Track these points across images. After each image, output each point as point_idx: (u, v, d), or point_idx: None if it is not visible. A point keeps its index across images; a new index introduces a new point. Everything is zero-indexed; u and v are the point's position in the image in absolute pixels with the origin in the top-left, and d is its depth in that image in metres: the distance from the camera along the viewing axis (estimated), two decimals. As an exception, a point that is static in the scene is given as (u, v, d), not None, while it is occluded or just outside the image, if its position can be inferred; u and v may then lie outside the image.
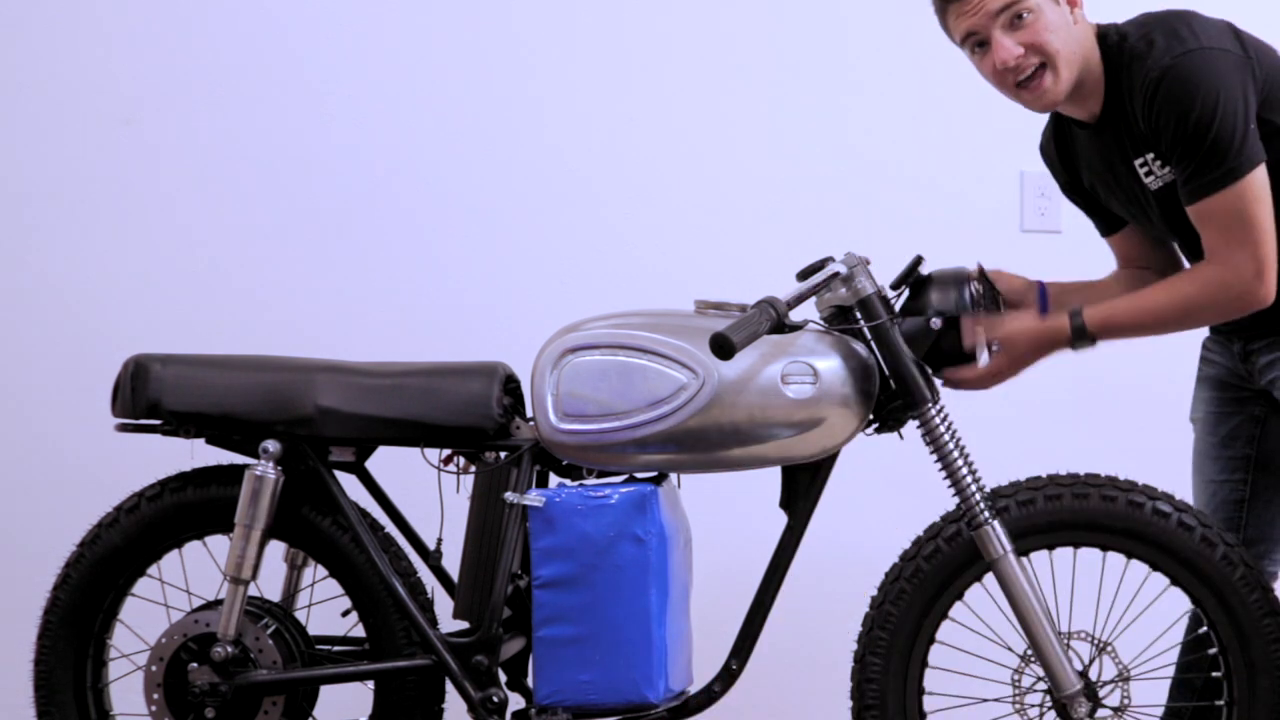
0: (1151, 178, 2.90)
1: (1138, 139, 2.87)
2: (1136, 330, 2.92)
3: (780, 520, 3.00)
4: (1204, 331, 3.17)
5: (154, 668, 3.01)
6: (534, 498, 2.94)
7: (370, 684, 3.06)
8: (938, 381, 2.98)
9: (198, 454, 3.09)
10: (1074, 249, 3.42)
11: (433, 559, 3.13)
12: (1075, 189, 3.14)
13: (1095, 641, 2.97)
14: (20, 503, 4.11)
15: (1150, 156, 2.87)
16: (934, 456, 2.94)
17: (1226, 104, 2.76)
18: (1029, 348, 2.94)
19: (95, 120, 4.16)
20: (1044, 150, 3.17)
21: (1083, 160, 3.05)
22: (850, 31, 4.15)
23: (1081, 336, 2.90)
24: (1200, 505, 3.15)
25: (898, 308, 2.97)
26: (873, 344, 2.93)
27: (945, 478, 2.94)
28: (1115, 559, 3.00)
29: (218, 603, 3.03)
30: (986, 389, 3.00)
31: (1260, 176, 2.80)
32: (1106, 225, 3.15)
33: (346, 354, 3.14)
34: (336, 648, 3.11)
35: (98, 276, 4.15)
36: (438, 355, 3.14)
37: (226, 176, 4.16)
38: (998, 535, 2.91)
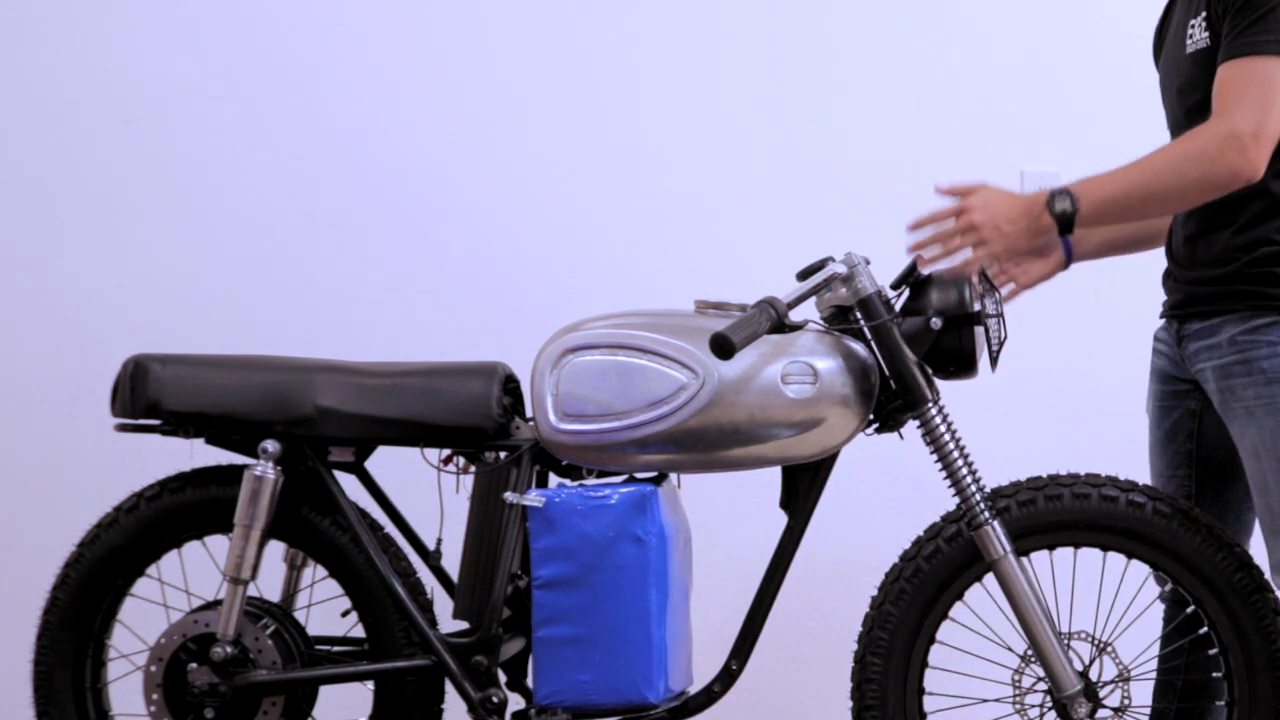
0: (1192, 39, 2.84)
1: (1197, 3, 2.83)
2: (1125, 195, 2.79)
3: (780, 520, 3.00)
4: (1157, 321, 3.11)
5: (153, 668, 3.01)
6: (534, 498, 2.93)
7: (370, 684, 3.06)
8: (937, 381, 2.98)
9: (197, 454, 3.09)
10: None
11: (432, 559, 3.13)
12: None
13: (1095, 641, 2.97)
14: (20, 503, 4.11)
15: (1202, 16, 2.81)
16: (934, 456, 2.94)
17: None
18: (1006, 208, 2.80)
19: (96, 119, 4.17)
20: (1156, 29, 3.08)
21: (1168, 32, 2.98)
22: (851, 31, 4.15)
23: (1061, 194, 2.77)
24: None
25: (898, 308, 2.96)
26: (873, 344, 2.93)
27: (945, 478, 2.94)
28: (1115, 559, 3.00)
29: (217, 603, 3.03)
30: (950, 256, 2.84)
31: None
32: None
33: (346, 354, 3.14)
34: (336, 648, 3.11)
35: (97, 276, 4.15)
36: (438, 355, 3.14)
37: (227, 176, 4.16)
38: (998, 535, 2.91)
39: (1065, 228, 2.79)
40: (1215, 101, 2.75)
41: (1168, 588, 3.02)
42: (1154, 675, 3.09)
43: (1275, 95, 2.72)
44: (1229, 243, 2.85)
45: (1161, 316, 3.09)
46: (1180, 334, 2.98)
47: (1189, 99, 2.88)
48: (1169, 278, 3.02)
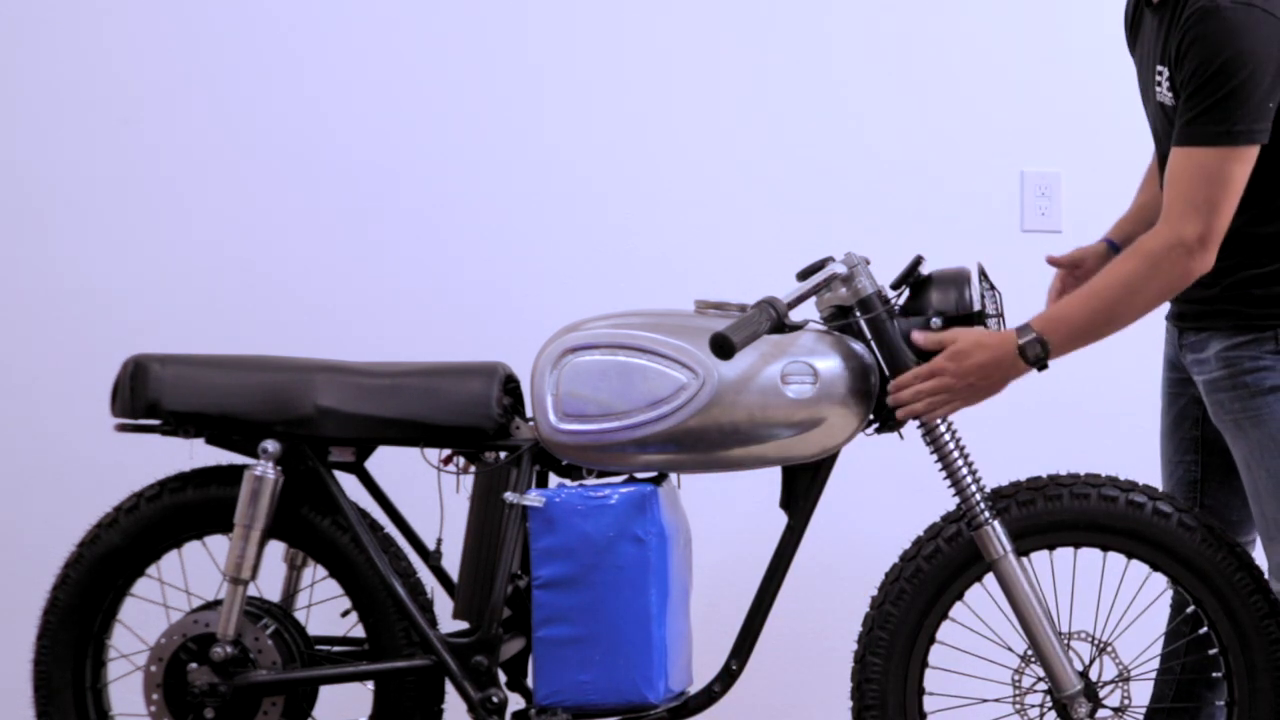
0: (1159, 89, 2.85)
1: (1165, 50, 2.82)
2: (1090, 324, 2.85)
3: (780, 520, 3.00)
4: (1157, 323, 3.11)
5: (153, 668, 3.01)
6: (534, 498, 2.94)
7: (370, 684, 3.06)
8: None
9: (197, 454, 3.09)
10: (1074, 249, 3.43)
11: (432, 559, 3.13)
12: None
13: (1095, 641, 2.98)
14: (20, 503, 4.11)
15: (1165, 74, 2.81)
16: (934, 456, 2.94)
17: (1257, 70, 2.70)
18: (978, 363, 2.88)
19: (94, 119, 4.16)
20: (1125, 13, 3.08)
21: (1140, 33, 2.98)
22: (851, 31, 4.15)
23: (1031, 342, 2.84)
24: (1162, 484, 3.14)
25: (898, 308, 2.96)
26: (873, 344, 2.93)
27: (945, 478, 2.94)
28: (1115, 559, 3.00)
29: (217, 603, 3.03)
30: (931, 413, 2.90)
31: (1250, 156, 2.75)
32: None
33: (346, 354, 3.14)
34: (336, 648, 3.11)
35: (97, 276, 4.15)
36: (438, 355, 3.14)
37: (226, 176, 4.16)
38: (998, 535, 2.91)
39: (1041, 368, 2.88)
40: (1166, 193, 2.79)
41: (1175, 593, 3.02)
42: (1154, 676, 3.09)
43: (1223, 193, 2.75)
44: (1215, 265, 2.83)
45: (1166, 318, 3.11)
46: (1180, 341, 3.01)
47: (1160, 144, 2.91)
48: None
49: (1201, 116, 2.74)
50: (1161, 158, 2.91)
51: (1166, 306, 3.06)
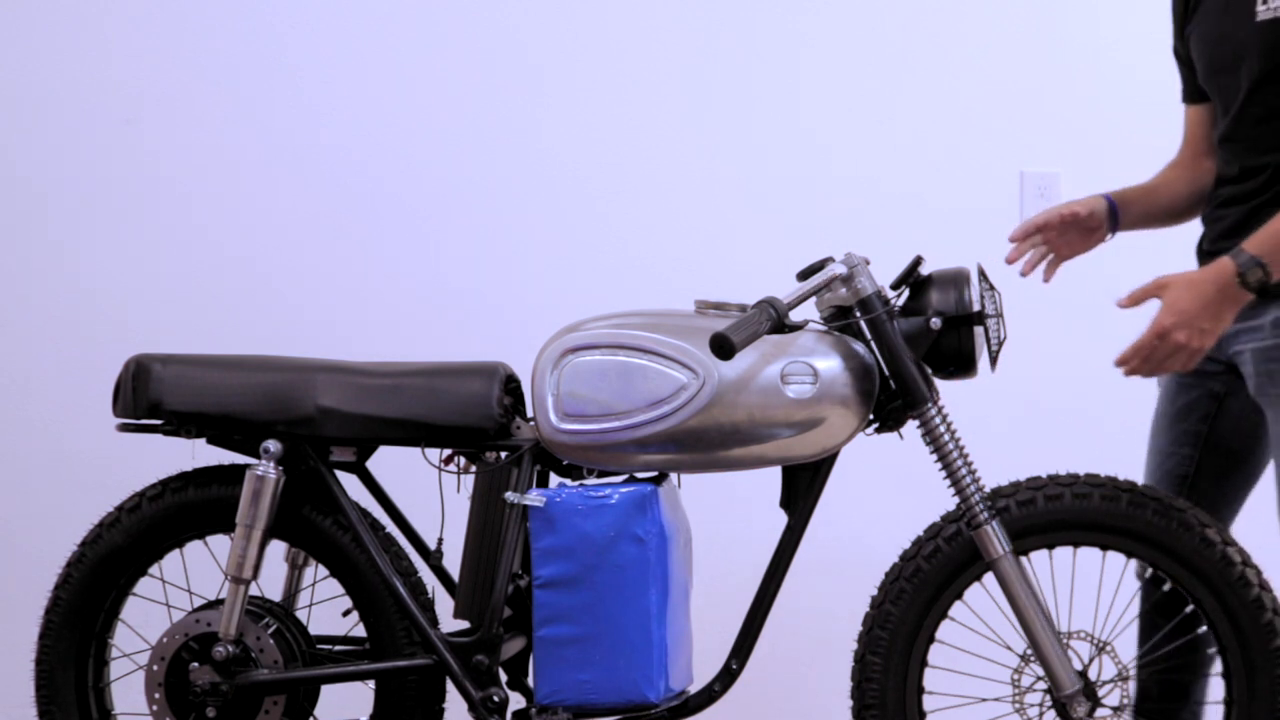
0: (1266, 8, 2.84)
1: None
2: None
3: (780, 520, 3.00)
4: None
5: (155, 667, 3.02)
6: (534, 498, 2.94)
7: (371, 684, 3.06)
8: (937, 381, 2.99)
9: (199, 454, 3.10)
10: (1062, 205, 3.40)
11: (433, 559, 3.13)
12: (1183, 46, 3.06)
13: (1095, 641, 2.98)
14: (21, 502, 4.11)
15: None
16: (934, 456, 2.95)
17: None
18: (1200, 306, 2.79)
19: (96, 119, 4.17)
20: (1176, 1, 3.08)
21: (1198, 10, 2.99)
22: (851, 32, 4.16)
23: (1251, 266, 2.77)
24: (1147, 474, 3.14)
25: (898, 308, 2.97)
26: (872, 344, 2.94)
27: (945, 478, 2.94)
28: (1115, 559, 3.00)
29: (219, 602, 3.03)
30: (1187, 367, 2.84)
31: None
32: (1194, 91, 3.07)
33: (346, 354, 3.14)
34: (337, 647, 3.11)
35: (98, 276, 4.15)
36: (438, 355, 3.14)
37: (227, 176, 4.17)
38: (997, 535, 2.91)
39: (1263, 294, 2.81)
40: None
41: (1149, 573, 3.03)
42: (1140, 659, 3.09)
43: None
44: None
45: None
46: None
47: (1256, 68, 2.87)
48: (1209, 256, 2.96)
49: None
50: (1252, 80, 2.88)
51: None
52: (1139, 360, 2.83)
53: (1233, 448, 3.04)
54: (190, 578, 3.15)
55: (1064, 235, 3.07)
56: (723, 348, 2.73)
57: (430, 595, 3.07)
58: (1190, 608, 2.97)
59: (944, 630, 3.01)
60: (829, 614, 3.97)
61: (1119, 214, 3.07)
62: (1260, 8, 2.87)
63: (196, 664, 2.99)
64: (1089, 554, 3.02)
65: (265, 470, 2.98)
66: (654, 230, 4.13)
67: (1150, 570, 2.99)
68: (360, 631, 3.07)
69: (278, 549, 3.11)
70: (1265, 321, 2.87)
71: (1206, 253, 3.01)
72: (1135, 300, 2.84)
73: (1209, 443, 3.07)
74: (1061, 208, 3.06)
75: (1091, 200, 3.08)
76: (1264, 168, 2.89)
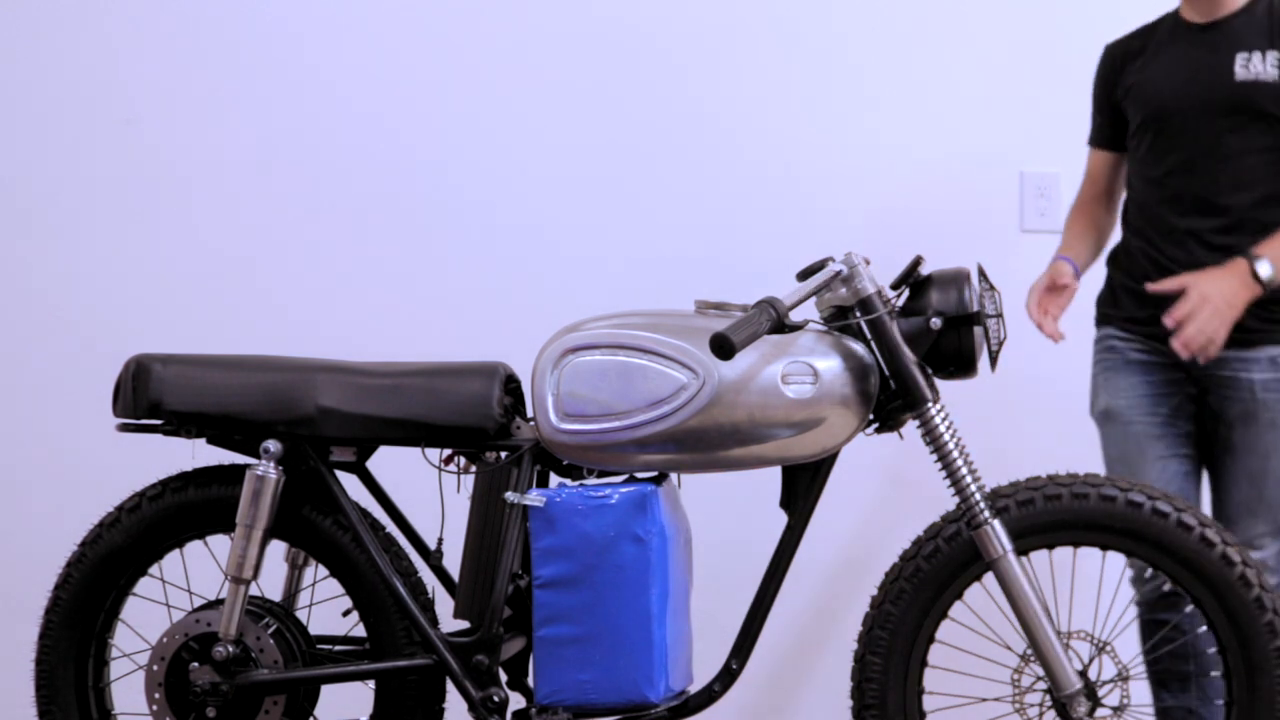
0: (1245, 69, 3.29)
1: (1257, 39, 3.31)
2: None
3: (780, 520, 3.00)
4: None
5: (155, 667, 3.02)
6: (534, 498, 2.94)
7: (371, 684, 3.06)
8: (937, 381, 2.99)
9: (199, 454, 3.10)
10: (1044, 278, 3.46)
11: (433, 559, 3.13)
12: (1111, 90, 3.50)
13: (1095, 641, 2.98)
14: (21, 503, 4.11)
15: (1258, 55, 3.29)
16: (934, 456, 2.95)
17: None
18: (1220, 288, 3.17)
19: (96, 119, 4.17)
20: (1114, 47, 3.53)
21: (1147, 60, 3.43)
22: (851, 32, 4.16)
23: (1263, 265, 3.19)
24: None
25: (898, 308, 2.97)
26: (872, 344, 2.94)
27: (945, 478, 2.94)
28: (1115, 559, 3.00)
29: (219, 602, 3.04)
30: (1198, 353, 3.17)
31: None
32: (1108, 137, 3.53)
33: (346, 354, 3.14)
34: (337, 647, 3.11)
35: (98, 276, 4.15)
36: (438, 355, 3.14)
37: (227, 176, 4.17)
38: (997, 535, 2.91)
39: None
40: None
41: (1149, 573, 3.03)
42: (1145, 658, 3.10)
43: None
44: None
45: (1150, 334, 3.35)
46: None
47: (1231, 123, 3.30)
48: (1166, 271, 3.33)
49: None
50: (1227, 131, 3.32)
51: (1140, 313, 3.37)
52: (1188, 320, 3.16)
53: (1207, 438, 3.38)
54: (190, 578, 3.15)
55: (1054, 298, 3.43)
56: (723, 348, 2.73)
57: (430, 595, 3.07)
58: (1167, 586, 2.97)
59: (944, 630, 3.01)
60: (829, 614, 3.98)
61: (1078, 269, 3.48)
62: (1240, 69, 3.30)
63: (196, 664, 3.00)
64: (1089, 554, 3.02)
65: (265, 470, 2.98)
66: (654, 230, 4.13)
67: (1149, 571, 3.00)
68: (360, 631, 3.07)
69: (278, 549, 3.11)
70: (1262, 357, 3.27)
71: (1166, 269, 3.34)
72: (1166, 289, 3.19)
73: (1198, 441, 3.38)
74: (1045, 280, 3.43)
75: (1060, 265, 3.46)
76: (1227, 208, 3.30)
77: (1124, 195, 3.53)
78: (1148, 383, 3.37)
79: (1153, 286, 3.23)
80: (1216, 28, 3.37)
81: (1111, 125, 3.52)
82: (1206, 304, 3.15)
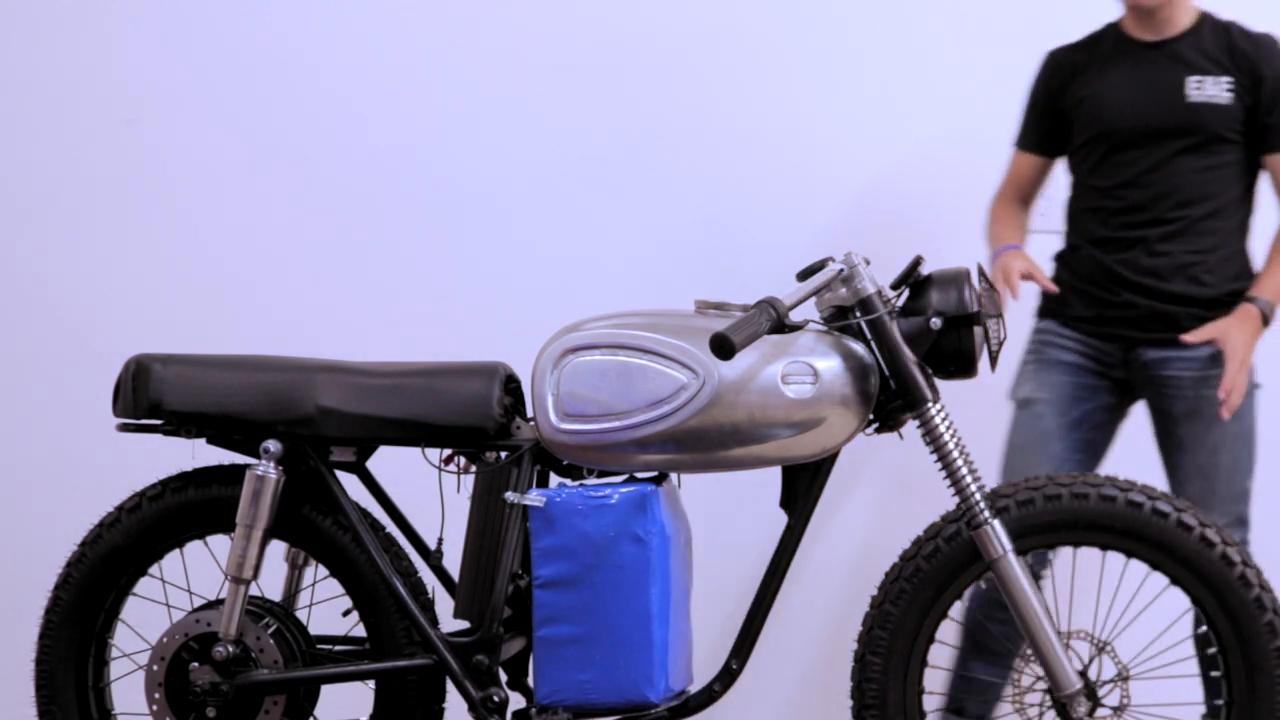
0: (1198, 92, 3.43)
1: (1207, 63, 3.44)
2: None
3: (780, 520, 3.00)
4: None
5: (155, 667, 3.02)
6: (534, 498, 2.94)
7: (371, 684, 3.06)
8: (938, 381, 2.99)
9: (199, 454, 3.10)
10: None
11: (433, 559, 3.13)
12: (1055, 99, 3.58)
13: (1095, 641, 2.98)
14: (21, 503, 4.11)
15: (1210, 79, 3.43)
16: (934, 456, 2.94)
17: None
18: (1247, 338, 3.36)
19: (96, 119, 4.17)
20: (1060, 57, 3.62)
21: (1095, 75, 3.52)
22: (850, 32, 4.16)
23: (1269, 309, 3.40)
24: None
25: (898, 308, 2.97)
26: (872, 344, 2.94)
27: (945, 478, 2.94)
28: (1115, 559, 3.00)
29: (219, 602, 3.03)
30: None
31: None
32: (1042, 142, 3.63)
33: (346, 354, 3.14)
34: (337, 647, 3.11)
35: (98, 276, 4.15)
36: (438, 355, 3.14)
37: (227, 176, 4.17)
38: (997, 535, 2.91)
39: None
40: None
41: (1202, 629, 3.04)
42: (1153, 675, 3.09)
43: None
44: (1218, 286, 3.45)
45: (1092, 333, 3.50)
46: (1127, 358, 3.47)
47: (1175, 141, 3.43)
48: (1127, 306, 3.49)
49: None
50: (1176, 150, 3.45)
51: (1086, 312, 3.50)
52: (1236, 388, 3.33)
53: (1097, 446, 3.53)
54: (190, 578, 3.15)
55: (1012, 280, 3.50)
56: (723, 348, 2.73)
57: (430, 595, 3.07)
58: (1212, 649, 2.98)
59: (944, 630, 3.01)
60: (829, 614, 3.98)
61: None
62: (1192, 91, 3.42)
63: (196, 664, 3.00)
64: (1089, 554, 3.02)
65: (265, 470, 2.98)
66: (654, 230, 4.13)
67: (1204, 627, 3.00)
68: (360, 631, 3.07)
69: (278, 549, 3.11)
70: (1201, 355, 3.40)
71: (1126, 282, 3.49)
72: (1201, 338, 3.37)
73: (1096, 449, 3.53)
74: (1012, 273, 3.47)
75: (1015, 254, 3.54)
76: (1176, 219, 3.44)
77: (1042, 195, 3.72)
78: (1071, 384, 3.49)
79: (1188, 338, 3.38)
80: (1165, 47, 3.50)
81: (1050, 132, 3.62)
82: (1244, 367, 3.34)
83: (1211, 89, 3.43)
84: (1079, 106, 3.54)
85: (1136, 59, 3.51)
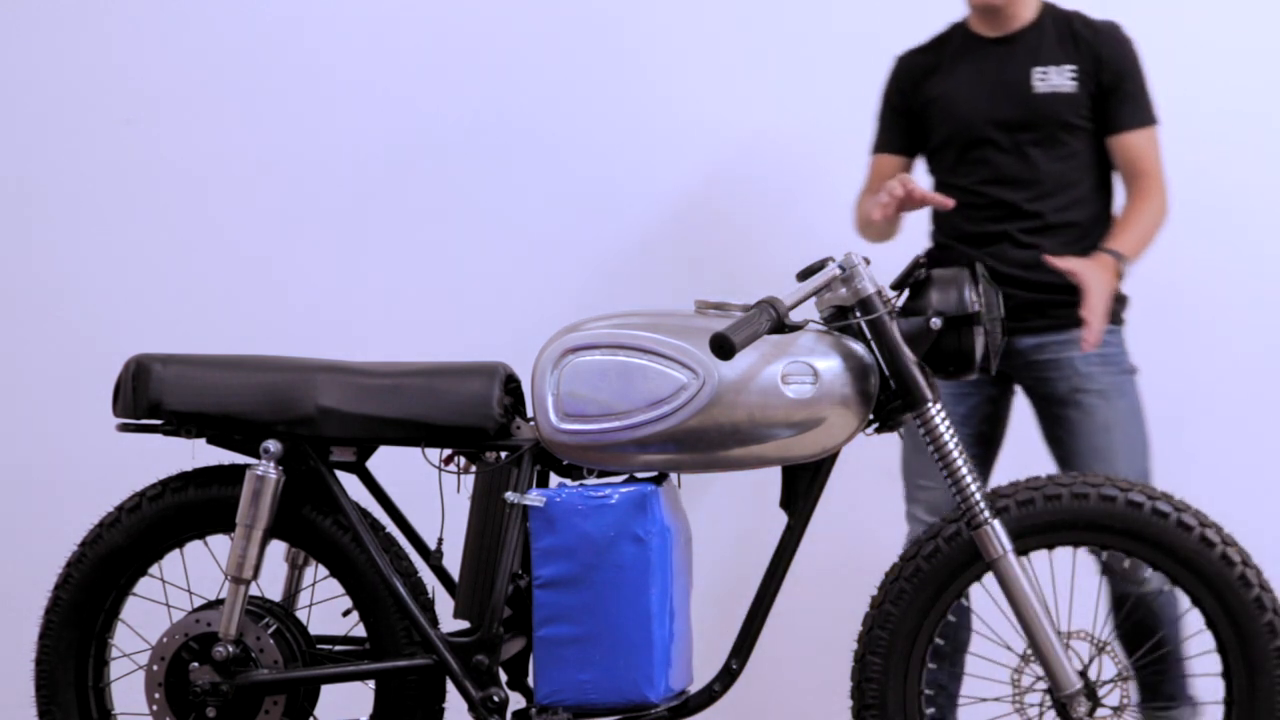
0: (1043, 83, 3.46)
1: (1050, 53, 3.48)
2: (1140, 251, 3.44)
3: (780, 520, 3.00)
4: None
5: (155, 667, 3.02)
6: (534, 497, 2.94)
7: (371, 684, 3.06)
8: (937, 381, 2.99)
9: (199, 454, 3.10)
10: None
11: (433, 559, 3.13)
12: (907, 101, 3.59)
13: (1095, 641, 2.98)
14: (21, 503, 4.11)
15: (1054, 69, 3.46)
16: (934, 456, 2.94)
17: None
18: (1104, 284, 3.30)
19: (96, 119, 4.17)
20: (908, 59, 3.63)
21: (944, 74, 3.55)
22: (850, 31, 4.16)
23: (1122, 260, 3.37)
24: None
25: (898, 308, 2.97)
26: (872, 344, 2.94)
27: (945, 477, 2.94)
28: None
29: (219, 602, 3.04)
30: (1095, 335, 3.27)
31: None
32: (899, 144, 3.62)
33: (346, 354, 3.14)
34: (337, 647, 3.11)
35: (98, 276, 4.16)
36: (438, 355, 3.14)
37: (227, 176, 4.17)
38: (998, 535, 2.91)
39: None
40: (1144, 164, 3.48)
41: (1104, 557, 3.04)
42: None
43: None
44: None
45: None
46: (1026, 327, 3.43)
47: (1027, 133, 3.46)
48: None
49: (1140, 101, 3.49)
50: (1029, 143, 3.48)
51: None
52: (1095, 317, 3.26)
53: (995, 439, 3.56)
54: (190, 578, 3.15)
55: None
56: (723, 348, 2.73)
57: (430, 595, 3.07)
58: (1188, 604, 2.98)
59: (944, 631, 3.01)
60: (829, 614, 3.97)
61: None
62: (1038, 83, 3.46)
63: (196, 664, 3.00)
64: (1089, 554, 3.02)
65: (265, 470, 2.98)
66: (654, 230, 4.13)
67: (1107, 557, 3.01)
68: (360, 631, 3.07)
69: (278, 549, 3.11)
70: (1077, 336, 3.32)
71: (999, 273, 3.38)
72: (1061, 265, 3.30)
73: (988, 441, 3.53)
74: (906, 181, 3.34)
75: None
76: (1038, 213, 3.46)
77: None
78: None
79: (1049, 259, 3.32)
80: (1009, 42, 3.52)
81: (906, 134, 3.62)
82: (1103, 301, 3.27)
83: (1056, 78, 3.46)
84: (931, 107, 3.56)
85: (983, 56, 3.53)
